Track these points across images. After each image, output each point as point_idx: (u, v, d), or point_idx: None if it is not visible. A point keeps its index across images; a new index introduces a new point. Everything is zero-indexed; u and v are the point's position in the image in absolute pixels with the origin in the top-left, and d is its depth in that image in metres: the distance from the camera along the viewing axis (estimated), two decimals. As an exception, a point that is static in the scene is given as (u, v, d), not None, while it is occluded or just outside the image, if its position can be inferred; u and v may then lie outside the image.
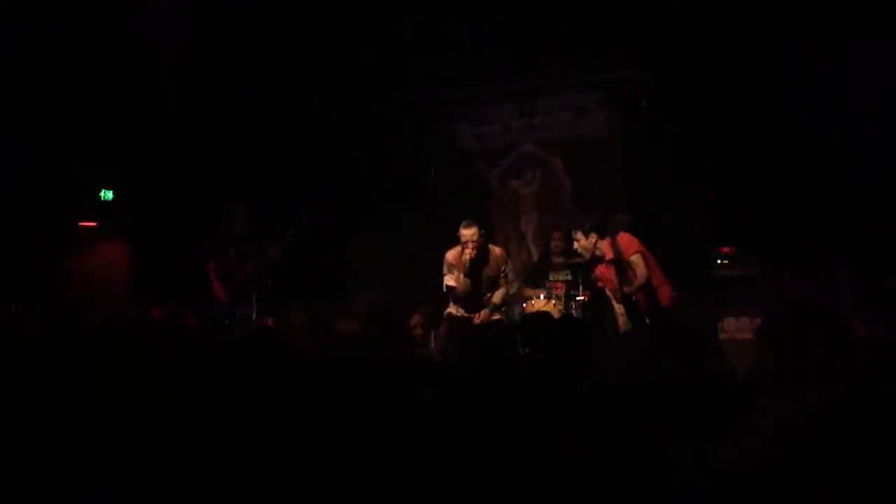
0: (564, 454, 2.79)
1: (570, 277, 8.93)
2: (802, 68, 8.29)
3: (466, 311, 7.77)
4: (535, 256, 9.98)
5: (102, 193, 9.71)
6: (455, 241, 7.81)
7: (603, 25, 9.21)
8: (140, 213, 9.61)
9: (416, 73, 10.09)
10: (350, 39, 9.78)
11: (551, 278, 9.03)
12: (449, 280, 7.79)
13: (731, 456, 2.80)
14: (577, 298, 8.60)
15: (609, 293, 7.83)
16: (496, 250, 8.01)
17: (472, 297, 7.76)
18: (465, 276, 7.67)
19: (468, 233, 7.68)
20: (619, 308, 7.75)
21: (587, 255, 7.76)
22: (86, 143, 9.17)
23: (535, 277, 9.19)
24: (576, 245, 7.79)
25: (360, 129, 10.08)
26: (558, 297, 8.67)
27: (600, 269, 7.79)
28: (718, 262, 8.29)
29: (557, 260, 9.17)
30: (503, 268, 7.96)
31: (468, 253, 7.62)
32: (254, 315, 7.99)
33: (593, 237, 7.66)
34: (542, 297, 8.69)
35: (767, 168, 8.38)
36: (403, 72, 10.05)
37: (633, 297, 7.52)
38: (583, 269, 8.88)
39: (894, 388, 2.97)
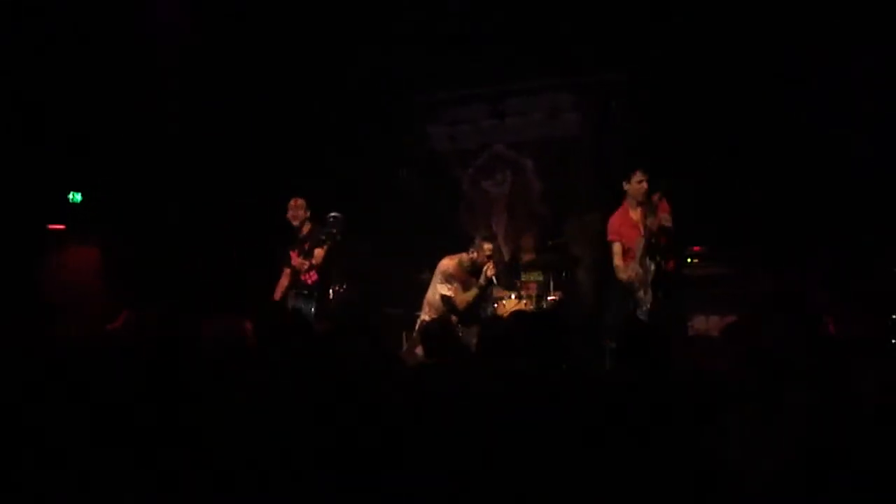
0: (545, 454, 2.80)
1: (541, 278, 8.97)
2: (774, 67, 8.34)
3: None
4: (507, 257, 9.99)
5: (71, 196, 9.64)
6: (446, 249, 7.84)
7: (575, 27, 9.22)
8: (110, 216, 9.54)
9: (388, 74, 10.07)
10: (324, 43, 9.75)
11: (522, 278, 9.07)
12: (444, 290, 7.75)
13: (709, 457, 2.81)
14: (549, 298, 8.64)
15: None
16: None
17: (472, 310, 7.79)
18: (475, 288, 7.66)
19: (490, 247, 7.71)
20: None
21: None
22: (54, 144, 9.09)
23: (507, 278, 9.21)
24: None
25: (331, 131, 10.06)
26: (529, 297, 8.71)
27: None
28: (689, 260, 8.34)
29: (527, 259, 9.21)
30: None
31: (491, 269, 7.63)
32: None
33: None
34: (513, 296, 8.72)
35: (739, 167, 8.43)
36: (376, 73, 10.02)
37: None
38: (555, 270, 8.93)
39: (867, 387, 3.00)
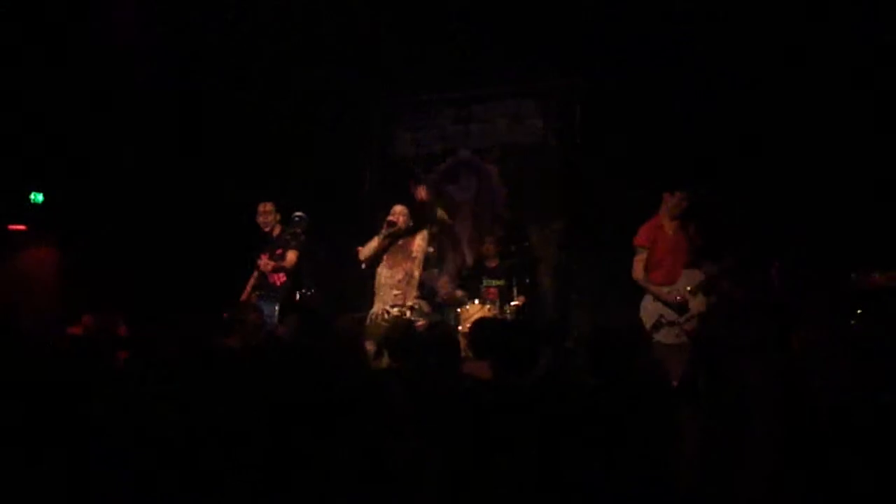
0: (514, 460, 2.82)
1: (502, 283, 8.99)
2: (737, 75, 8.40)
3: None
4: (470, 262, 10.01)
5: (32, 196, 9.56)
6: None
7: (538, 33, 9.26)
8: (71, 217, 9.47)
9: (353, 79, 10.07)
10: (288, 45, 9.74)
11: (484, 284, 9.09)
12: (364, 251, 7.78)
13: (661, 464, 2.84)
14: (512, 303, 8.67)
15: None
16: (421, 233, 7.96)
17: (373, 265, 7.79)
18: (379, 237, 7.69)
19: (398, 207, 7.74)
20: None
21: None
22: (15, 144, 9.01)
23: (469, 282, 9.25)
24: None
25: (295, 134, 10.04)
26: (492, 303, 8.74)
27: None
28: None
29: (490, 265, 9.22)
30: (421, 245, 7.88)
31: (391, 217, 7.65)
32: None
33: None
34: (476, 301, 8.75)
35: (704, 173, 8.49)
36: (340, 78, 10.01)
37: None
38: (517, 274, 8.95)
39: (828, 391, 3.05)
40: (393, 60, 9.89)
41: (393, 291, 7.67)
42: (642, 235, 7.55)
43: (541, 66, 9.68)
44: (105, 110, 9.34)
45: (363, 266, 7.80)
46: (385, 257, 7.72)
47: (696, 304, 7.21)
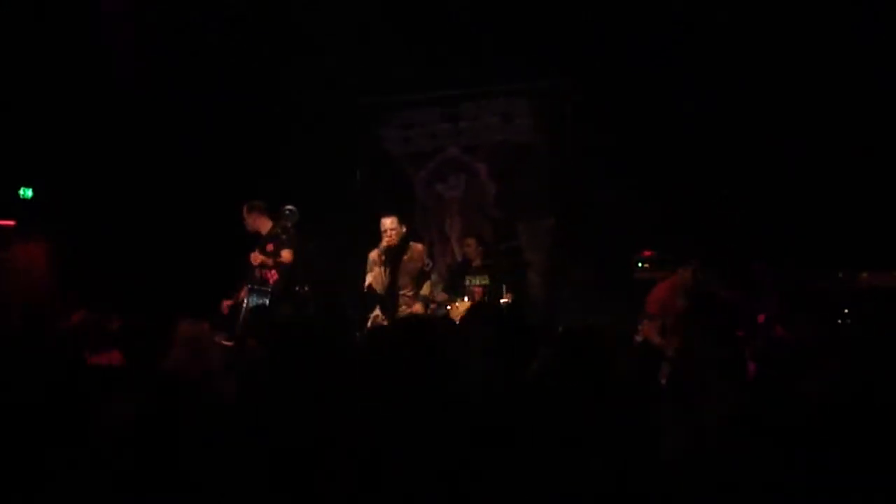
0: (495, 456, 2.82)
1: (487, 282, 8.99)
2: (729, 75, 8.45)
3: (383, 312, 7.82)
4: (459, 259, 10.02)
5: (21, 191, 9.52)
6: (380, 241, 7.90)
7: (529, 32, 9.27)
8: (61, 212, 9.43)
9: (343, 76, 10.07)
10: (279, 42, 9.75)
11: (469, 283, 9.08)
12: (368, 278, 7.87)
13: (637, 461, 2.86)
14: (501, 301, 8.68)
15: None
16: (417, 245, 8.09)
17: (389, 294, 7.86)
18: (383, 266, 7.74)
19: (387, 221, 7.83)
20: None
21: None
22: (4, 138, 8.98)
23: (454, 281, 9.25)
24: None
25: (285, 132, 10.05)
26: (482, 301, 8.74)
27: None
28: (640, 265, 8.44)
29: (475, 263, 9.21)
30: (427, 261, 8.03)
31: (385, 241, 7.76)
32: None
33: None
34: (465, 299, 8.75)
35: (690, 173, 8.53)
36: (330, 75, 10.02)
37: None
38: (506, 273, 8.96)
39: (809, 388, 3.07)
40: (383, 58, 9.88)
41: (396, 302, 7.78)
42: (652, 305, 7.56)
43: (531, 65, 9.68)
44: (94, 105, 9.31)
45: (370, 291, 7.89)
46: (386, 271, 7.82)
47: None
